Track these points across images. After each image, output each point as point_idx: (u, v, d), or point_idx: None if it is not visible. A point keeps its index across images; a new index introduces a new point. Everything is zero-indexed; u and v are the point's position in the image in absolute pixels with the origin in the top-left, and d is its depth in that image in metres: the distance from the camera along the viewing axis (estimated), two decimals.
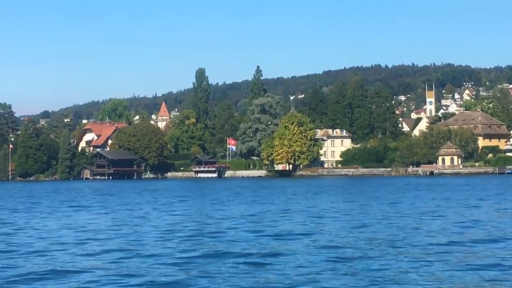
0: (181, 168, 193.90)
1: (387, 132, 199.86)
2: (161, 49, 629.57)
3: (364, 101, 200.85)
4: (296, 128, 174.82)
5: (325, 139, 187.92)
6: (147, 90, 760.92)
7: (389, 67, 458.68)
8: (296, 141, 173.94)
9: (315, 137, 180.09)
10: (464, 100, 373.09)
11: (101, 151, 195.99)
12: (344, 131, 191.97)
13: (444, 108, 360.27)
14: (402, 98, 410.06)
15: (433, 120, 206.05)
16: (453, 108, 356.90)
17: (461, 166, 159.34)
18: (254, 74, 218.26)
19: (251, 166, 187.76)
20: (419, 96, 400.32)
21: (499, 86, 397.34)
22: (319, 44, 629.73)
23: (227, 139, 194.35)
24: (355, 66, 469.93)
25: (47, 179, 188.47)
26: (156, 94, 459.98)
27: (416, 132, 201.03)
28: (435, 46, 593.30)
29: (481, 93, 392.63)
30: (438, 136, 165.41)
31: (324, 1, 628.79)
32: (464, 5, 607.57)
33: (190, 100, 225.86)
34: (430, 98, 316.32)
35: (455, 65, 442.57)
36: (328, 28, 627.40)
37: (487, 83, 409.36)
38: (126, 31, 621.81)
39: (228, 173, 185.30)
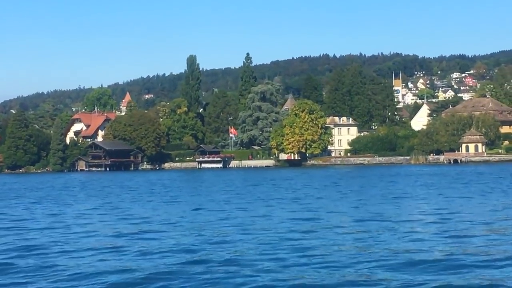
0: (176, 159, 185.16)
1: (387, 120, 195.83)
2: (105, 39, 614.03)
3: (363, 88, 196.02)
4: (307, 116, 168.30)
5: (332, 127, 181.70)
6: (93, 81, 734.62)
7: (337, 57, 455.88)
8: (308, 129, 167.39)
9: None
10: (419, 89, 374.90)
11: (97, 141, 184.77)
12: (351, 119, 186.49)
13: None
14: None
15: (435, 107, 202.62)
16: (409, 98, 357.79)
17: (485, 154, 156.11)
18: (243, 62, 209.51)
19: (258, 156, 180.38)
20: None
21: (451, 74, 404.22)
22: (266, 34, 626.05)
23: (230, 128, 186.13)
24: (303, 56, 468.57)
25: (39, 171, 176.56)
26: (102, 85, 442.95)
27: (416, 120, 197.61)
28: (381, 35, 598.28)
29: (434, 82, 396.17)
30: (459, 123, 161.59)
31: None
32: None
33: (181, 88, 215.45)
34: (397, 86, 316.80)
35: (403, 55, 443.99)
36: (274, 19, 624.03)
37: (439, 72, 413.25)
38: (70, 21, 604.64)
39: (233, 163, 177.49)
